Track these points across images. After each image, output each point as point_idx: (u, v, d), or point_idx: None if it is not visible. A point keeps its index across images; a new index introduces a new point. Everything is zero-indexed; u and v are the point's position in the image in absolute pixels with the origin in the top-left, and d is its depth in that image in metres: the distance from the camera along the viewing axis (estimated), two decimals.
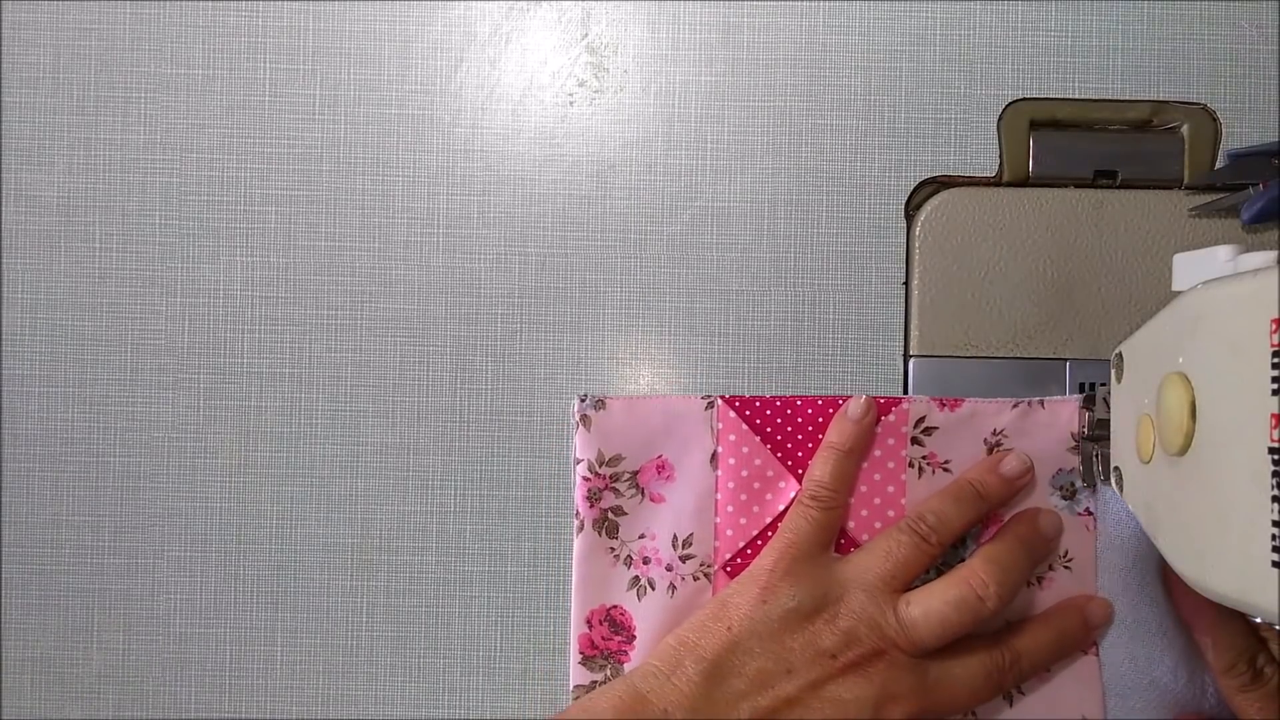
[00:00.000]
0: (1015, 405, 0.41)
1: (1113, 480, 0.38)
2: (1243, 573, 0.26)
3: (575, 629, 0.41)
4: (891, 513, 0.41)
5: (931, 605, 0.37)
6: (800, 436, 0.41)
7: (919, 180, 0.43)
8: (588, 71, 0.43)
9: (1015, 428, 0.41)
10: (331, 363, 0.43)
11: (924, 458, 0.41)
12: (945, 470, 0.41)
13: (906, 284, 0.43)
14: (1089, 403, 0.41)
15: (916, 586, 0.39)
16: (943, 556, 0.40)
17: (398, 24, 0.43)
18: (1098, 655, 0.41)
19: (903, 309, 0.42)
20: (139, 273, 0.43)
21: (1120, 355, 0.37)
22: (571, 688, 0.41)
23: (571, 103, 0.43)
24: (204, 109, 0.43)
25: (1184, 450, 0.29)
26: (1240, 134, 0.42)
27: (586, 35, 0.43)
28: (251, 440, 0.43)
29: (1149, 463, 0.32)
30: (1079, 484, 0.41)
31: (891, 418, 0.41)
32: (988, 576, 0.38)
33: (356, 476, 0.43)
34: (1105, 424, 0.40)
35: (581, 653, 0.41)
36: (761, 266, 0.43)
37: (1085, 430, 0.41)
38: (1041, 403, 0.41)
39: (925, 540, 0.38)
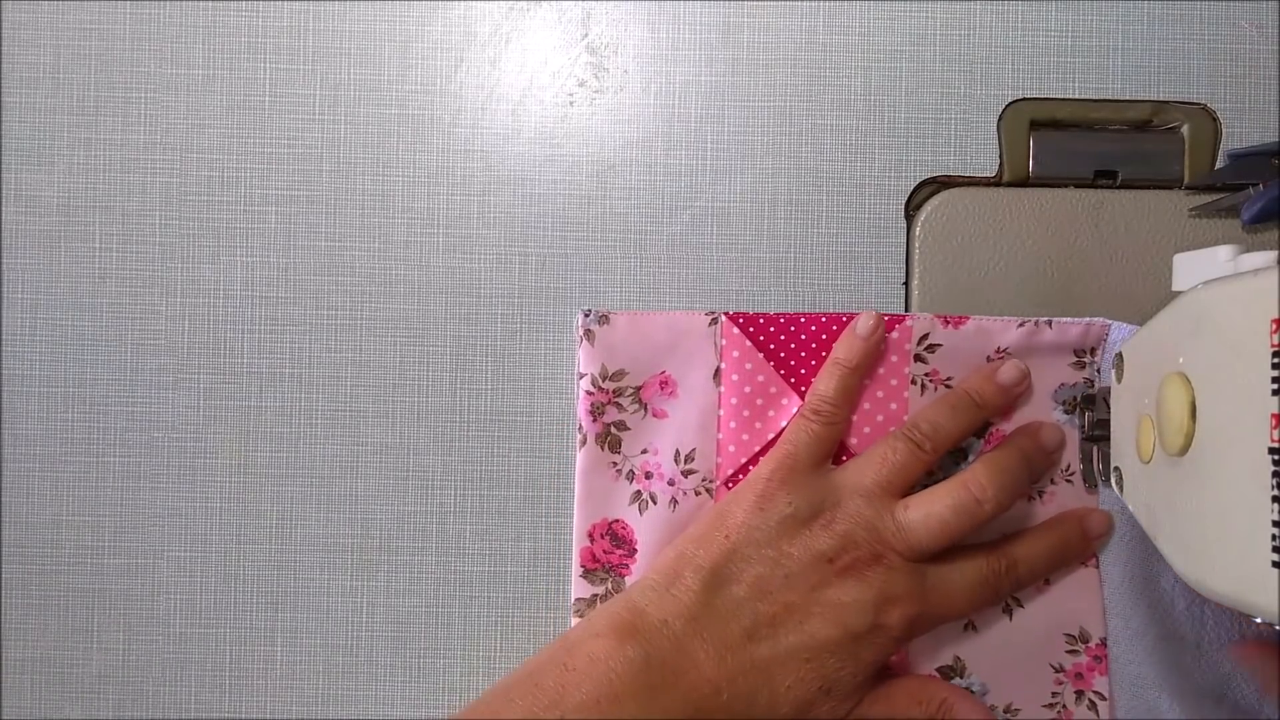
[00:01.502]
0: (1021, 324, 0.41)
1: (1113, 480, 0.38)
2: (1243, 573, 0.26)
3: (577, 543, 0.42)
4: (894, 429, 0.41)
5: (930, 509, 0.37)
6: (804, 354, 0.41)
7: (919, 180, 0.43)
8: (588, 71, 0.43)
9: (1020, 346, 0.41)
10: (331, 363, 0.43)
11: (927, 374, 0.41)
12: (947, 387, 0.41)
13: (906, 284, 0.43)
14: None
15: (915, 493, 0.39)
16: (939, 463, 0.40)
17: (398, 24, 0.43)
18: (1098, 568, 0.41)
19: (903, 309, 0.42)
20: (139, 273, 0.43)
21: (1120, 355, 0.37)
22: (573, 600, 0.42)
23: (571, 103, 0.43)
24: (204, 109, 0.43)
25: (1184, 450, 0.29)
26: (1240, 134, 0.42)
27: (586, 35, 0.43)
28: (251, 440, 0.43)
29: (1149, 463, 0.32)
30: (1080, 397, 0.41)
31: (895, 334, 0.41)
32: (986, 481, 0.38)
33: (356, 476, 0.43)
34: (1105, 424, 0.40)
35: (583, 566, 0.42)
36: (761, 266, 0.43)
37: (1085, 430, 0.41)
38: (1049, 323, 0.41)
39: (920, 447, 0.39)
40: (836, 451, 0.41)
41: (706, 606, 0.36)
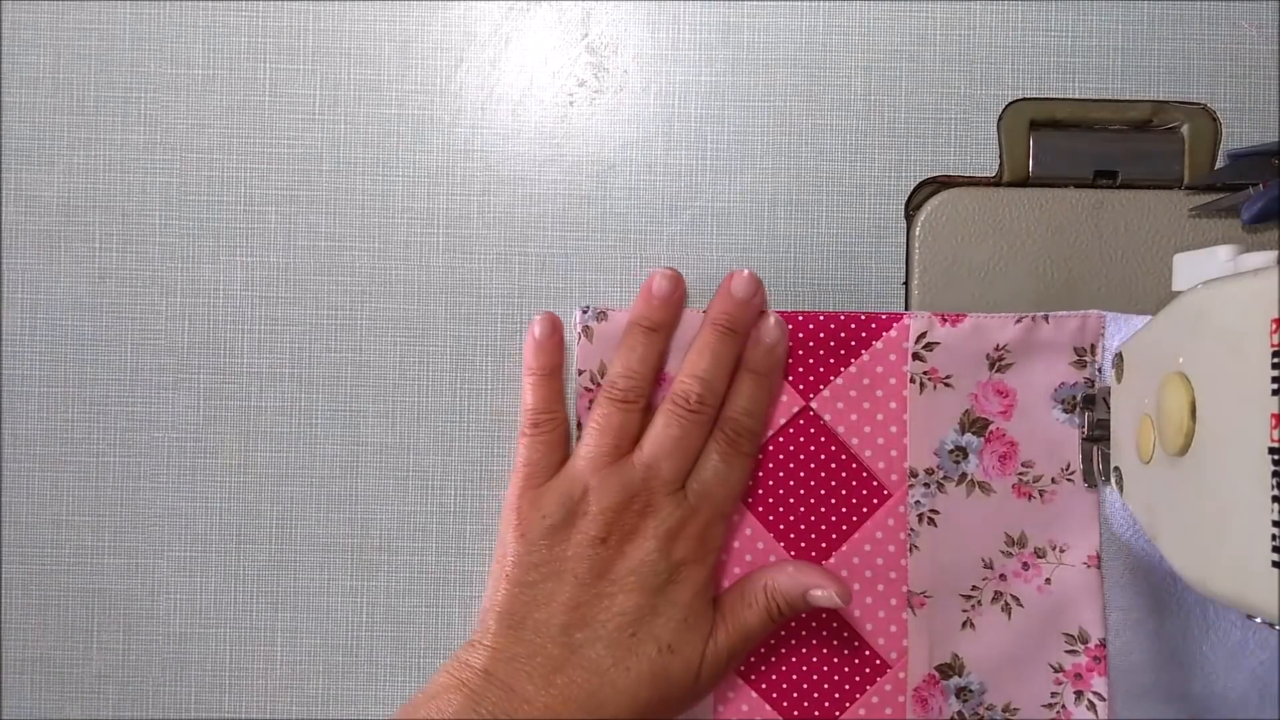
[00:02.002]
0: (1019, 320, 0.41)
1: (1113, 480, 0.38)
2: (1243, 573, 0.26)
3: None
4: (894, 428, 0.41)
5: (652, 437, 0.39)
6: (801, 352, 0.41)
7: (919, 180, 0.43)
8: (588, 71, 0.43)
9: (1019, 343, 0.41)
10: (331, 363, 0.43)
11: (925, 373, 0.41)
12: (946, 385, 0.41)
13: (906, 284, 0.43)
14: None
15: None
16: (940, 465, 0.41)
17: (398, 24, 0.43)
18: (1099, 568, 0.41)
19: (903, 309, 0.42)
20: (139, 273, 0.43)
21: (1120, 355, 0.37)
22: None
23: (571, 103, 0.43)
24: (204, 109, 0.43)
25: (1184, 450, 0.29)
26: (1240, 134, 0.42)
27: (586, 35, 0.43)
28: (251, 440, 0.43)
29: (1149, 463, 0.32)
30: (1080, 397, 0.41)
31: (893, 333, 0.41)
32: (686, 383, 0.39)
33: (356, 476, 0.43)
34: (1105, 424, 0.40)
35: None
36: (761, 266, 0.43)
37: (1085, 430, 0.41)
38: (1046, 318, 0.41)
39: (624, 401, 0.40)
40: (843, 453, 0.41)
41: (517, 642, 0.37)
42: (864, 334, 0.41)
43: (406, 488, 0.43)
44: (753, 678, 0.41)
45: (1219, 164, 0.42)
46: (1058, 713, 0.41)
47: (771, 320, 0.41)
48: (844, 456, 0.41)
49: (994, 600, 0.41)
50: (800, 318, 0.41)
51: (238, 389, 0.43)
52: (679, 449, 0.39)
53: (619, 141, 0.43)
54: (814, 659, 0.41)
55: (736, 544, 0.41)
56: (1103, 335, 0.41)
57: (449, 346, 0.43)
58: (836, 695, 0.41)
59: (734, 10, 0.43)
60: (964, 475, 0.41)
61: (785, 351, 0.41)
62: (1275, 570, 0.24)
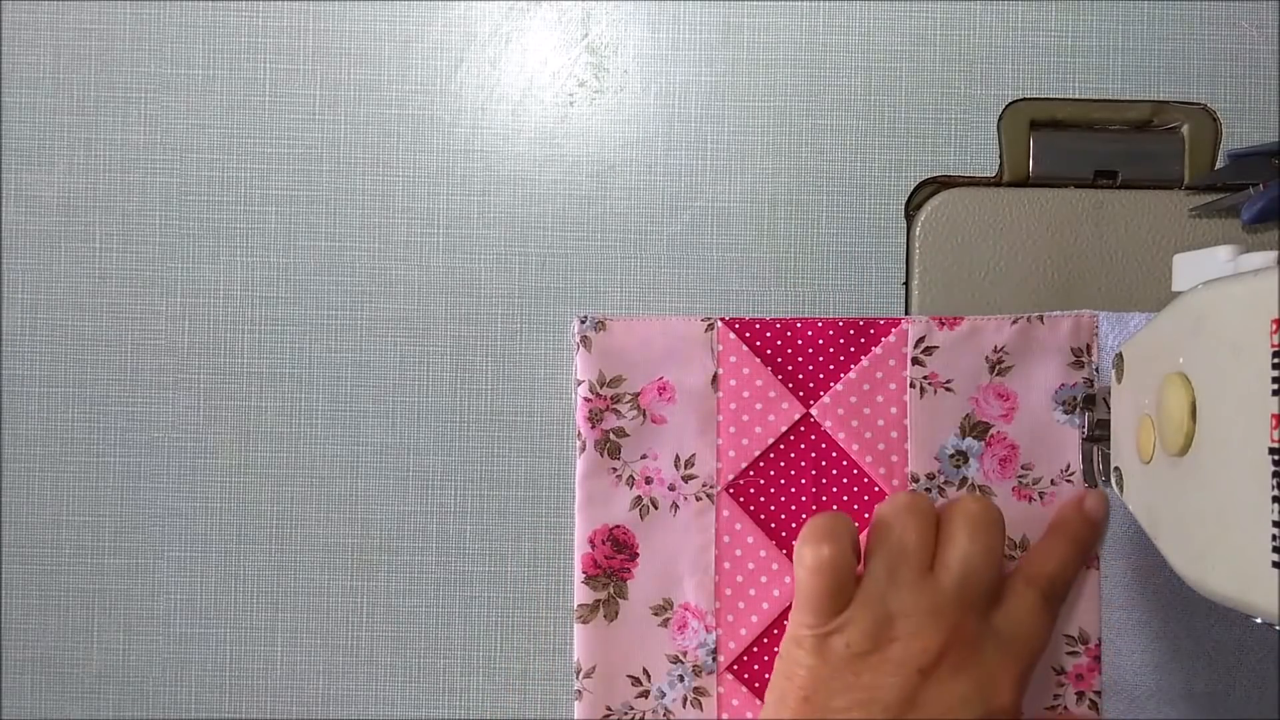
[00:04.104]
0: (1014, 321, 0.41)
1: (1113, 480, 0.38)
2: (1243, 573, 0.26)
3: (578, 549, 0.42)
4: (894, 434, 0.41)
5: (955, 549, 0.36)
6: (801, 359, 0.41)
7: (919, 180, 0.43)
8: (588, 71, 0.43)
9: (1016, 345, 0.41)
10: (331, 363, 0.43)
11: (925, 378, 0.41)
12: (947, 389, 0.41)
13: (906, 284, 0.43)
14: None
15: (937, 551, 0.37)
16: (941, 469, 0.41)
17: (398, 24, 0.43)
18: (1098, 568, 0.41)
19: (903, 309, 0.42)
20: (139, 273, 0.43)
21: (1120, 355, 0.37)
22: (575, 606, 0.42)
23: (571, 103, 0.43)
24: (204, 109, 0.43)
25: (1184, 450, 0.29)
26: (1240, 134, 0.42)
27: (586, 35, 0.43)
28: (251, 440, 0.43)
29: (1149, 463, 0.32)
30: (1080, 398, 0.41)
31: (892, 338, 0.41)
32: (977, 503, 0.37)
33: (356, 476, 0.43)
34: (1105, 424, 0.40)
35: (584, 572, 0.42)
36: (761, 267, 0.43)
37: (1085, 430, 0.41)
38: (1040, 318, 0.41)
39: (920, 515, 0.37)
40: (844, 460, 0.41)
41: None
42: (862, 339, 0.41)
43: (406, 488, 0.43)
44: (756, 685, 0.41)
45: (1219, 164, 0.42)
46: (1060, 714, 0.41)
47: (1096, 496, 0.41)
48: (845, 463, 0.41)
49: None
50: (799, 324, 0.41)
51: (238, 389, 0.43)
52: (975, 564, 0.36)
53: (619, 141, 0.43)
54: None
55: (739, 552, 0.41)
56: (1096, 335, 0.41)
57: (449, 346, 0.43)
58: None
59: (734, 10, 0.43)
60: (965, 479, 0.41)
61: (1105, 527, 0.41)
62: (1275, 570, 0.24)
